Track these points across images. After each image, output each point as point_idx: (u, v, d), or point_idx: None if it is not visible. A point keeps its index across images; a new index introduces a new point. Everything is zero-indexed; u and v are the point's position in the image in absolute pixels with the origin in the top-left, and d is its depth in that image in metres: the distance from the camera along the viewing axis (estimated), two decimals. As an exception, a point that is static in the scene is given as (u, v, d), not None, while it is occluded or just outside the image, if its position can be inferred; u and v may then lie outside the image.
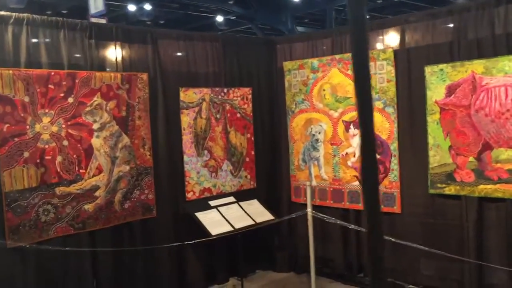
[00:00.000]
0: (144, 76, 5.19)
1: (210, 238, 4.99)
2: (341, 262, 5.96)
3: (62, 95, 4.57)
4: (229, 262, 5.87)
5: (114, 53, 4.98)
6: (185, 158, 5.56)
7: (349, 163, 5.82)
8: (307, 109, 6.18)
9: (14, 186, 4.26)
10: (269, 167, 6.43)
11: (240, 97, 6.12)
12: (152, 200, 5.24)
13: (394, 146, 5.41)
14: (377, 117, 5.48)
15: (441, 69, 4.96)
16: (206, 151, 5.75)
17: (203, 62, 5.73)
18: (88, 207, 4.74)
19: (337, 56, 5.84)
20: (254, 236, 5.76)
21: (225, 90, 5.95)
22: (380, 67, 5.45)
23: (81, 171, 4.71)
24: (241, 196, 5.94)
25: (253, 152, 6.26)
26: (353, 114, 5.74)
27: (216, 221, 5.24)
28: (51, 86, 4.50)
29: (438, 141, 5.05)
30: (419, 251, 4.96)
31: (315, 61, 6.05)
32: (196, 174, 5.65)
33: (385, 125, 5.45)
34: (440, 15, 5.08)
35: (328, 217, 5.27)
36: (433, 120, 5.06)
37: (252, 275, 6.19)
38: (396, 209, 5.43)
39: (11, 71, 4.26)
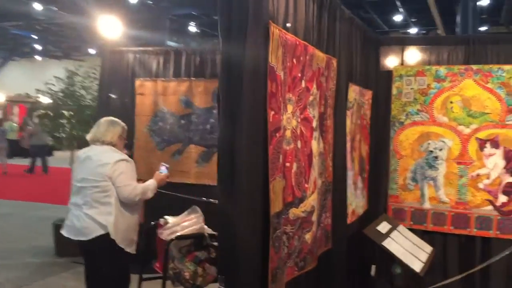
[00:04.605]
0: (335, 61, 3.93)
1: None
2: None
3: (299, 75, 3.15)
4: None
5: (324, 28, 3.66)
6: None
7: (481, 185, 5.24)
8: (423, 122, 5.43)
9: (276, 206, 2.74)
10: (369, 185, 5.51)
11: (367, 101, 5.12)
12: (329, 225, 3.97)
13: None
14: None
15: None
16: (353, 164, 4.64)
17: (353, 51, 4.63)
18: (308, 237, 3.33)
19: (474, 67, 5.26)
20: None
21: (363, 91, 4.91)
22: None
23: (306, 185, 3.29)
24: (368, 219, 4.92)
25: (368, 167, 5.29)
26: (490, 132, 5.20)
27: (401, 254, 4.17)
28: (294, 60, 3.06)
29: None
30: None
31: (441, 69, 5.35)
32: (349, 192, 4.50)
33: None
34: None
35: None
36: None
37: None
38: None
39: (278, 30, 2.76)
